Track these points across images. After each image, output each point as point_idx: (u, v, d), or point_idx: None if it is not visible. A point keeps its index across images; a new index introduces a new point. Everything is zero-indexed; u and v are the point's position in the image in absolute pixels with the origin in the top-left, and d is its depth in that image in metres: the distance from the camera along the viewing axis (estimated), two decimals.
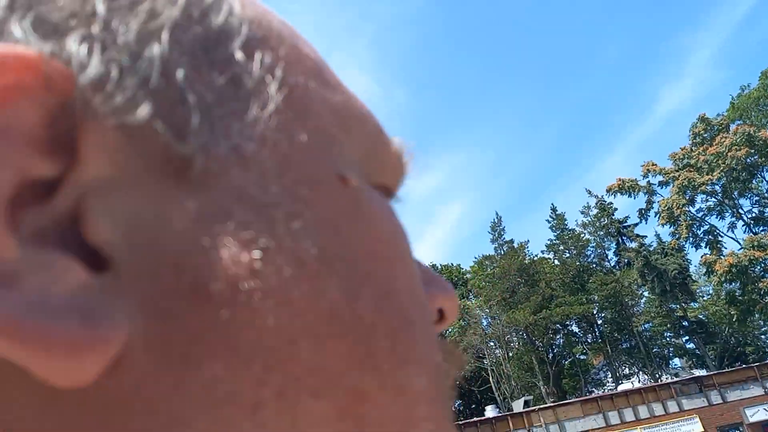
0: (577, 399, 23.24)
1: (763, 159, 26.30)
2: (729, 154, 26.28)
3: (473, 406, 37.15)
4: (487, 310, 34.91)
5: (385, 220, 0.26)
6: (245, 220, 0.20)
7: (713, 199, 29.46)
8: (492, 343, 34.75)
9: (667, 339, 34.90)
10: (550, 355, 34.51)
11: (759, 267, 25.00)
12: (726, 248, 28.21)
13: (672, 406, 21.59)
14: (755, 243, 24.88)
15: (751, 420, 20.79)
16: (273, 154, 0.22)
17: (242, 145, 0.22)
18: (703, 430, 20.81)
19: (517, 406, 25.14)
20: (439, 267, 47.65)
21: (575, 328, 36.45)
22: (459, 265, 48.24)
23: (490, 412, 24.50)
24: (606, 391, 30.41)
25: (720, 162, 26.83)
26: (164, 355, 0.18)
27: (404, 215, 0.27)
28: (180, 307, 0.19)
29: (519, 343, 35.40)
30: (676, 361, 35.95)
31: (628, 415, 21.68)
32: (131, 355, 0.18)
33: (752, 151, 25.70)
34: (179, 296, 0.19)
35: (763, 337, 36.20)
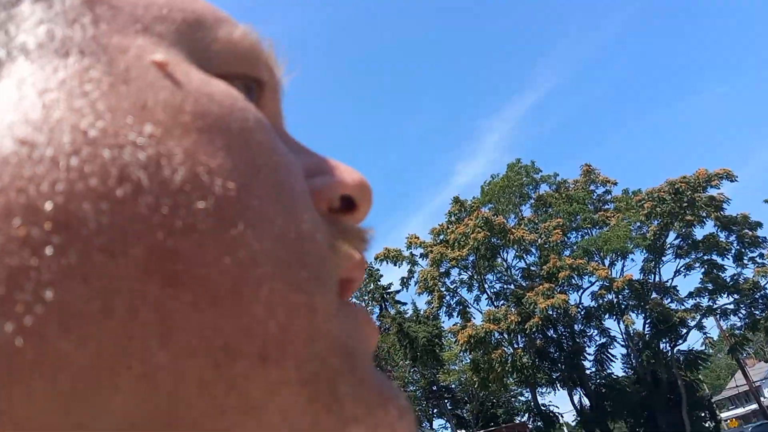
0: None
1: (502, 241, 29.24)
2: (472, 235, 28.79)
3: None
4: None
5: (205, 95, 0.26)
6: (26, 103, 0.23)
7: (466, 273, 31.93)
8: None
9: (424, 403, 36.65)
10: None
11: (494, 338, 27.44)
12: (475, 319, 30.60)
13: None
14: (491, 316, 27.31)
15: None
16: (55, 42, 0.25)
17: (26, 43, 0.24)
18: None
19: None
20: None
21: None
22: None
23: None
24: None
25: (467, 241, 29.26)
26: None
27: None
28: None
29: None
30: (442, 421, 37.83)
31: None
32: None
33: (489, 234, 28.42)
34: None
35: (513, 399, 39.61)
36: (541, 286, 25.82)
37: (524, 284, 28.79)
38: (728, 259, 26.09)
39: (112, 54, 0.25)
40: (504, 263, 31.67)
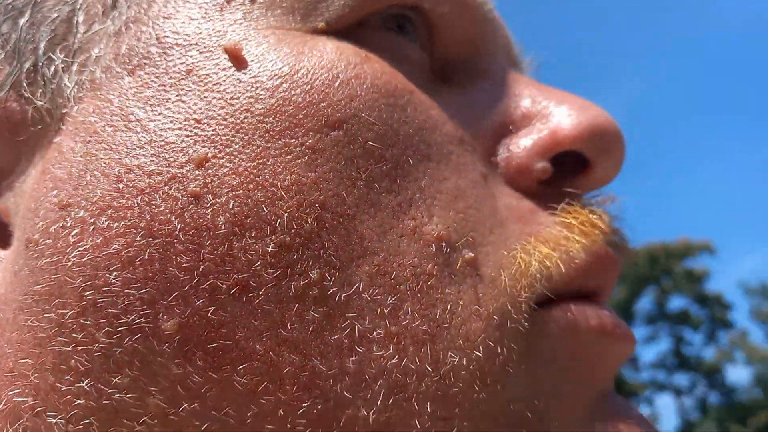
0: None
1: None
2: None
3: None
4: None
5: (287, 79, 0.21)
6: (67, 159, 0.21)
7: None
8: None
9: None
10: None
11: None
12: None
13: None
14: None
15: None
16: (120, 59, 0.22)
17: (93, 73, 0.23)
18: None
19: None
20: None
21: None
22: None
23: None
24: None
25: None
26: (13, 300, 0.21)
27: None
28: (21, 259, 0.21)
29: None
30: None
31: None
32: None
33: None
34: (21, 251, 0.21)
35: None
36: None
37: None
38: (698, 335, 25.00)
39: (175, 55, 0.22)
40: None
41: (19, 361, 0.20)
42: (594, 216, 0.23)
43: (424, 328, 0.19)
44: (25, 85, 0.23)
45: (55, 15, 0.24)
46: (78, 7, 0.24)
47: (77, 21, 0.24)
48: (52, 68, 0.23)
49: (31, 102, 0.23)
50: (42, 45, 0.24)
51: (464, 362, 0.19)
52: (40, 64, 0.23)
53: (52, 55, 0.23)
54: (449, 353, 0.19)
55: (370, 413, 0.18)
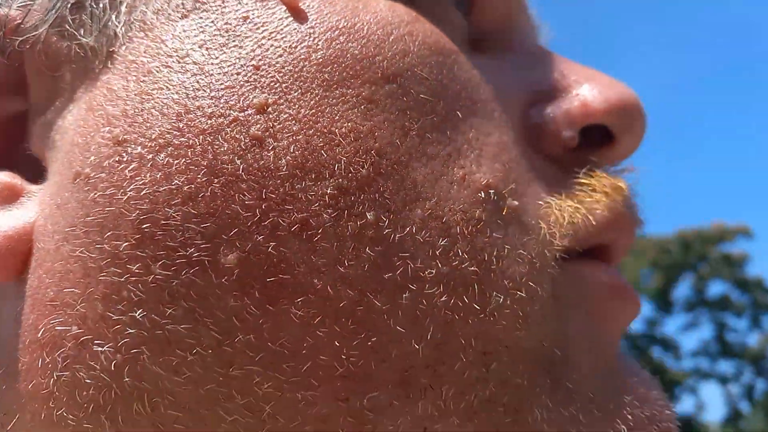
0: None
1: None
2: None
3: None
4: None
5: (344, 32, 0.22)
6: (124, 96, 0.21)
7: None
8: None
9: None
10: None
11: None
12: None
13: None
14: None
15: None
16: (181, 11, 0.23)
17: (144, 14, 0.23)
18: None
19: None
20: None
21: None
22: None
23: None
24: None
25: None
26: (56, 232, 0.21)
27: None
28: (66, 192, 0.21)
29: None
30: None
31: None
32: (36, 240, 0.22)
33: None
34: (66, 184, 0.21)
35: None
36: None
37: None
38: (741, 320, 24.26)
39: (230, 1, 0.22)
40: None
41: (62, 291, 0.20)
42: (615, 180, 0.25)
43: (473, 269, 0.20)
44: (69, 20, 0.23)
45: None
46: None
47: None
48: (100, 5, 0.23)
49: (73, 38, 0.23)
50: None
51: (508, 302, 0.21)
52: (88, 1, 0.23)
53: None
54: (494, 293, 0.21)
55: (421, 346, 0.19)
